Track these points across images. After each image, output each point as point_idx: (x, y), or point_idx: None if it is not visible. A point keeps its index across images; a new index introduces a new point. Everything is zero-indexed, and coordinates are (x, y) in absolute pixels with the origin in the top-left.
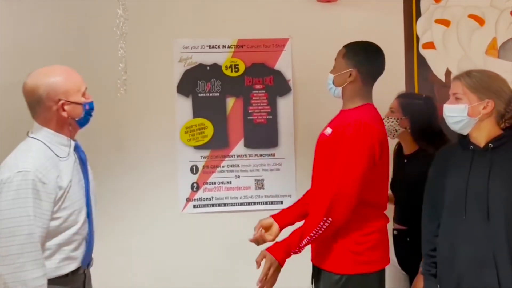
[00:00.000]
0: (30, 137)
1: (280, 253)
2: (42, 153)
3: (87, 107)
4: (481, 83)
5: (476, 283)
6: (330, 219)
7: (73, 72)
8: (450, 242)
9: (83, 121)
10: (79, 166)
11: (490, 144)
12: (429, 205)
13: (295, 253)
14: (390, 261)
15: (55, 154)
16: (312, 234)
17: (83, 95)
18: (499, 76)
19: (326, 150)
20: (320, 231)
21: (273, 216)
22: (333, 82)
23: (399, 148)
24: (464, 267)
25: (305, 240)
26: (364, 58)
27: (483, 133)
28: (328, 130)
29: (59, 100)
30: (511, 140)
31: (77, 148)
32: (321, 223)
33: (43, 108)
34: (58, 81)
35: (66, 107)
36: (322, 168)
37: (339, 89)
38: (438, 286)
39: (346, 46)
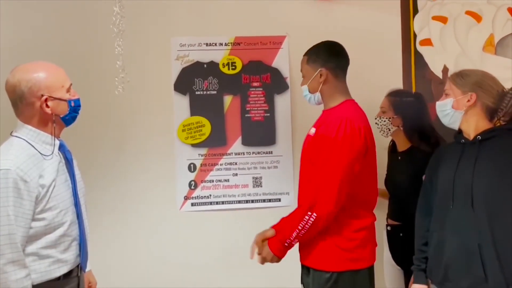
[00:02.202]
0: (13, 136)
1: (276, 245)
2: (24, 151)
3: (72, 103)
4: (466, 78)
5: (462, 273)
6: (314, 214)
7: (57, 68)
8: (439, 232)
9: (68, 119)
10: (64, 165)
11: (478, 137)
12: (424, 201)
13: (289, 244)
14: (385, 256)
15: (39, 152)
16: (300, 227)
17: (68, 91)
18: (488, 74)
19: (310, 150)
20: (306, 226)
21: (274, 226)
22: (309, 91)
23: (393, 145)
24: (451, 257)
25: (294, 232)
26: (327, 54)
27: (471, 126)
28: (312, 130)
29: (42, 95)
30: (500, 135)
31: (62, 147)
32: (306, 218)
33: (25, 104)
34: (40, 76)
35: (49, 103)
36: (307, 168)
37: (317, 94)
38: (429, 280)
39: (305, 54)
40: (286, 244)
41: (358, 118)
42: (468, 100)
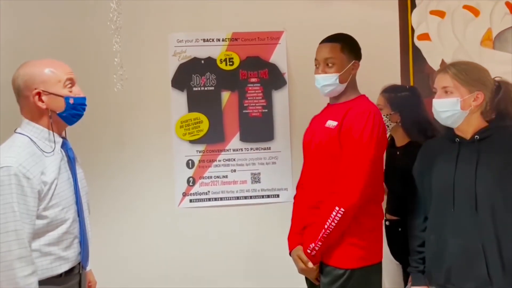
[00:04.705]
0: (17, 132)
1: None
2: (26, 148)
3: (71, 101)
4: (470, 75)
5: (465, 276)
6: (342, 209)
7: (58, 64)
8: (439, 235)
9: (66, 116)
10: (67, 164)
11: (476, 136)
12: (415, 200)
13: (315, 248)
14: (384, 251)
15: (41, 149)
16: (326, 226)
17: (66, 87)
18: (483, 67)
19: (333, 144)
20: (333, 223)
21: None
22: (338, 81)
23: (391, 140)
24: (453, 260)
25: (320, 234)
26: (359, 48)
27: (471, 126)
28: (331, 123)
29: (35, 89)
30: (497, 132)
31: (65, 146)
32: (334, 213)
33: (22, 97)
34: (37, 71)
35: (44, 98)
36: (327, 162)
37: (344, 85)
38: (427, 281)
39: (337, 41)
40: (308, 251)
41: (381, 114)
42: (474, 100)
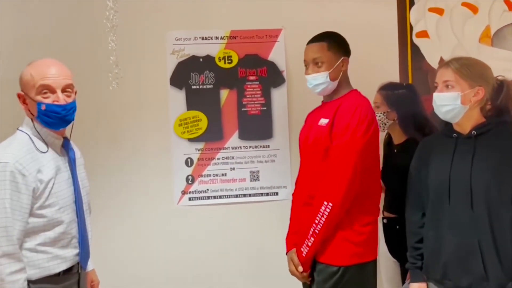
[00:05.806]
0: (19, 130)
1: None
2: (25, 146)
3: (42, 107)
4: (472, 70)
5: (461, 271)
6: (330, 204)
7: (44, 66)
8: (436, 231)
9: (42, 121)
10: (67, 163)
11: (473, 132)
12: (413, 196)
13: (308, 244)
14: (381, 249)
15: (36, 147)
16: (316, 222)
17: (40, 93)
18: (485, 63)
19: (326, 141)
20: (323, 218)
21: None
22: (329, 79)
23: (388, 138)
24: (450, 256)
25: (311, 229)
26: (346, 44)
27: (470, 121)
28: (323, 121)
29: (22, 90)
30: (494, 128)
31: (66, 146)
32: (323, 208)
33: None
34: (25, 72)
35: (27, 101)
36: (321, 160)
37: (336, 82)
38: (425, 277)
39: (323, 40)
40: (301, 249)
41: (370, 107)
42: (475, 95)
